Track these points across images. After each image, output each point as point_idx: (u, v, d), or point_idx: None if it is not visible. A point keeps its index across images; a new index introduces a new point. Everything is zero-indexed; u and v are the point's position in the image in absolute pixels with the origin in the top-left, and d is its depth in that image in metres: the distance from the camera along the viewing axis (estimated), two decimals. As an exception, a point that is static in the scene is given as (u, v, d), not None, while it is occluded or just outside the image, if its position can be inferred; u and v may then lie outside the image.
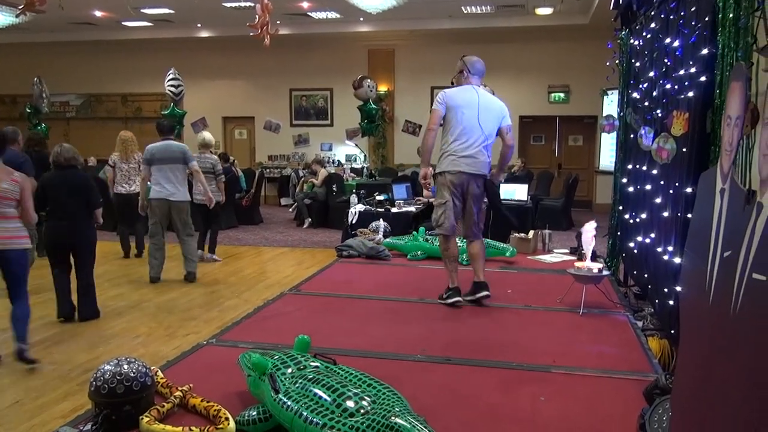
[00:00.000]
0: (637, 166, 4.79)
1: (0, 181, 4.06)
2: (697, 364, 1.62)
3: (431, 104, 15.25)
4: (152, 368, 2.76)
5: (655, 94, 4.13)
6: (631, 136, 5.24)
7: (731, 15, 2.65)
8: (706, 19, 2.97)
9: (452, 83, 4.73)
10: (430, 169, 4.61)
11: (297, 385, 2.44)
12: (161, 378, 2.84)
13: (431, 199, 7.84)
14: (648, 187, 4.28)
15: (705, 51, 2.95)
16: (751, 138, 2.20)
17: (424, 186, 4.86)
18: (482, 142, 4.44)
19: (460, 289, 4.48)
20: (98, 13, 12.09)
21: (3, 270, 4.20)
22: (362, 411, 2.25)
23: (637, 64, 5.04)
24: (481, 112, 4.43)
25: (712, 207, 1.60)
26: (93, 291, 5.25)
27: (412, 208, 8.21)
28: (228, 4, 11.18)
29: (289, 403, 2.36)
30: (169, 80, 9.84)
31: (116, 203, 7.86)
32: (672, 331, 3.40)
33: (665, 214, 3.63)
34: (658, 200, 3.86)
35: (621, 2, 5.65)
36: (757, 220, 1.29)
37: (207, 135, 7.89)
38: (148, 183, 6.65)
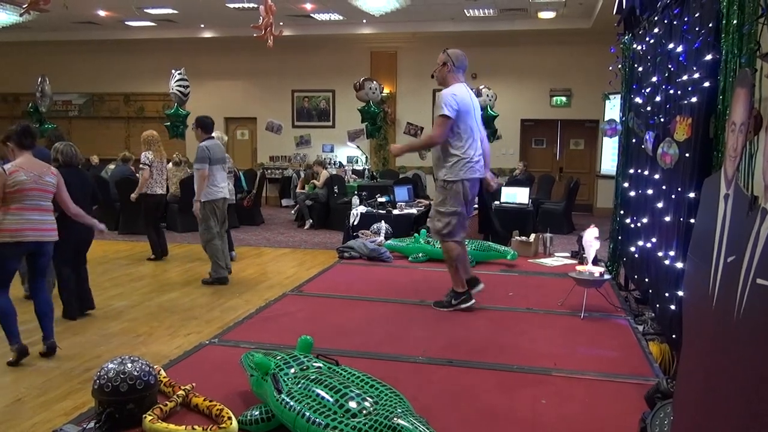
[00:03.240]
0: (639, 171, 4.81)
1: (43, 175, 4.14)
2: (700, 368, 1.63)
3: (433, 107, 15.27)
4: (155, 367, 2.77)
5: (658, 99, 4.14)
6: (633, 140, 5.25)
7: (735, 21, 2.66)
8: (710, 24, 2.98)
9: (432, 76, 4.54)
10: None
11: (300, 385, 2.45)
12: (164, 377, 2.85)
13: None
14: (650, 191, 4.29)
15: (709, 57, 2.96)
16: (754, 144, 2.21)
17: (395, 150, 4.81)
18: (481, 142, 4.43)
19: (471, 293, 4.46)
20: (102, 13, 12.12)
21: (33, 262, 4.25)
22: (364, 412, 2.26)
23: (640, 68, 5.06)
24: (475, 110, 4.38)
25: (716, 212, 1.61)
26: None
27: (414, 210, 8.22)
28: (231, 5, 11.19)
29: (291, 403, 2.37)
30: (177, 81, 9.83)
31: (151, 204, 7.57)
32: (673, 336, 3.41)
33: (667, 218, 3.64)
34: (660, 205, 3.87)
35: (624, 7, 5.66)
36: (761, 225, 1.30)
37: (220, 134, 7.97)
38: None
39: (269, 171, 14.03)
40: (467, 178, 4.31)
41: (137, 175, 11.03)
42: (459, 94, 4.27)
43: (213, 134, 6.64)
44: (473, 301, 4.42)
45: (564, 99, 13.17)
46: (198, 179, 6.24)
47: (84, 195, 5.14)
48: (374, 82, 10.84)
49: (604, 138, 12.01)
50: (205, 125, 6.45)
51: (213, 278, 6.40)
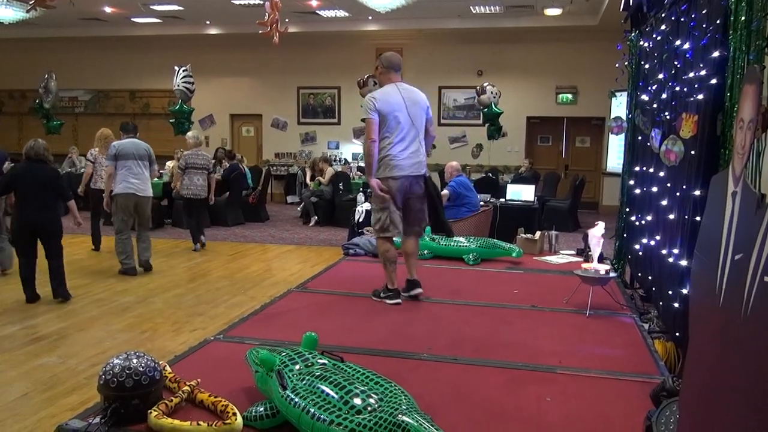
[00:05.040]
0: (645, 168, 4.79)
1: None
2: (706, 366, 1.62)
3: (439, 104, 15.31)
4: (161, 363, 2.77)
5: (664, 96, 4.12)
6: (639, 138, 5.23)
7: (743, 18, 2.64)
8: (718, 21, 2.96)
9: (374, 82, 4.76)
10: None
11: (304, 381, 2.45)
12: (169, 373, 2.85)
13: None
14: (655, 189, 4.27)
15: (716, 54, 2.95)
16: (762, 141, 2.19)
17: (381, 197, 4.46)
18: (419, 140, 4.40)
19: (400, 292, 4.45)
20: (108, 9, 12.14)
21: None
22: (369, 408, 2.25)
23: (647, 66, 5.03)
24: (409, 108, 4.33)
25: (724, 210, 1.60)
26: (63, 274, 5.62)
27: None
28: (237, 2, 11.20)
29: (296, 399, 2.36)
30: (183, 78, 9.87)
31: (95, 198, 7.95)
32: (677, 334, 3.39)
33: (671, 216, 3.62)
34: (665, 202, 3.85)
35: (631, 4, 5.63)
36: (770, 223, 1.29)
37: (196, 133, 8.50)
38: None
39: (274, 168, 14.05)
40: (390, 176, 4.35)
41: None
42: (382, 95, 4.35)
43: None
44: (399, 300, 4.40)
45: (570, 96, 13.13)
46: (104, 175, 7.14)
47: (41, 189, 5.42)
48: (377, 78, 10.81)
49: (610, 135, 11.98)
50: (122, 128, 7.11)
51: (123, 269, 6.68)
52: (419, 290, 4.52)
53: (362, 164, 13.41)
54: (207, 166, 8.12)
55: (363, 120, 4.38)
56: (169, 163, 10.71)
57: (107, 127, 8.59)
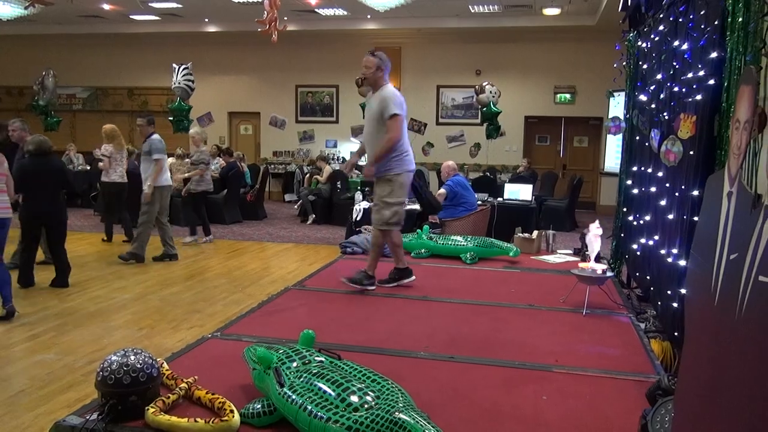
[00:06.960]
0: (642, 168, 4.80)
1: None
2: (701, 365, 1.63)
3: (437, 102, 15.31)
4: (158, 360, 2.78)
5: (662, 96, 4.13)
6: (637, 138, 5.24)
7: (740, 19, 2.65)
8: (716, 22, 2.97)
9: (360, 83, 5.13)
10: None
11: (302, 379, 2.45)
12: (167, 370, 2.86)
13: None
14: (653, 189, 4.28)
15: (713, 54, 2.96)
16: (758, 142, 2.20)
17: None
18: (369, 141, 4.75)
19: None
20: (107, 6, 12.12)
21: None
22: (366, 406, 2.26)
23: (645, 66, 5.04)
24: (366, 113, 4.74)
25: (719, 210, 1.61)
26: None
27: (417, 207, 8.21)
28: (236, 0, 11.19)
29: (293, 396, 2.37)
30: (185, 75, 9.88)
31: (109, 191, 8.44)
32: (675, 334, 3.41)
33: (670, 216, 3.63)
34: (663, 202, 3.86)
35: (629, 4, 5.64)
36: (764, 223, 1.30)
37: (196, 129, 8.96)
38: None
39: (272, 166, 14.04)
40: None
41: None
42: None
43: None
44: (374, 287, 4.76)
45: (568, 96, 13.15)
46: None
47: (52, 181, 5.87)
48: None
49: (607, 135, 12.00)
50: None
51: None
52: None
53: (360, 163, 13.43)
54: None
55: None
56: (170, 160, 10.71)
57: (107, 124, 8.81)
